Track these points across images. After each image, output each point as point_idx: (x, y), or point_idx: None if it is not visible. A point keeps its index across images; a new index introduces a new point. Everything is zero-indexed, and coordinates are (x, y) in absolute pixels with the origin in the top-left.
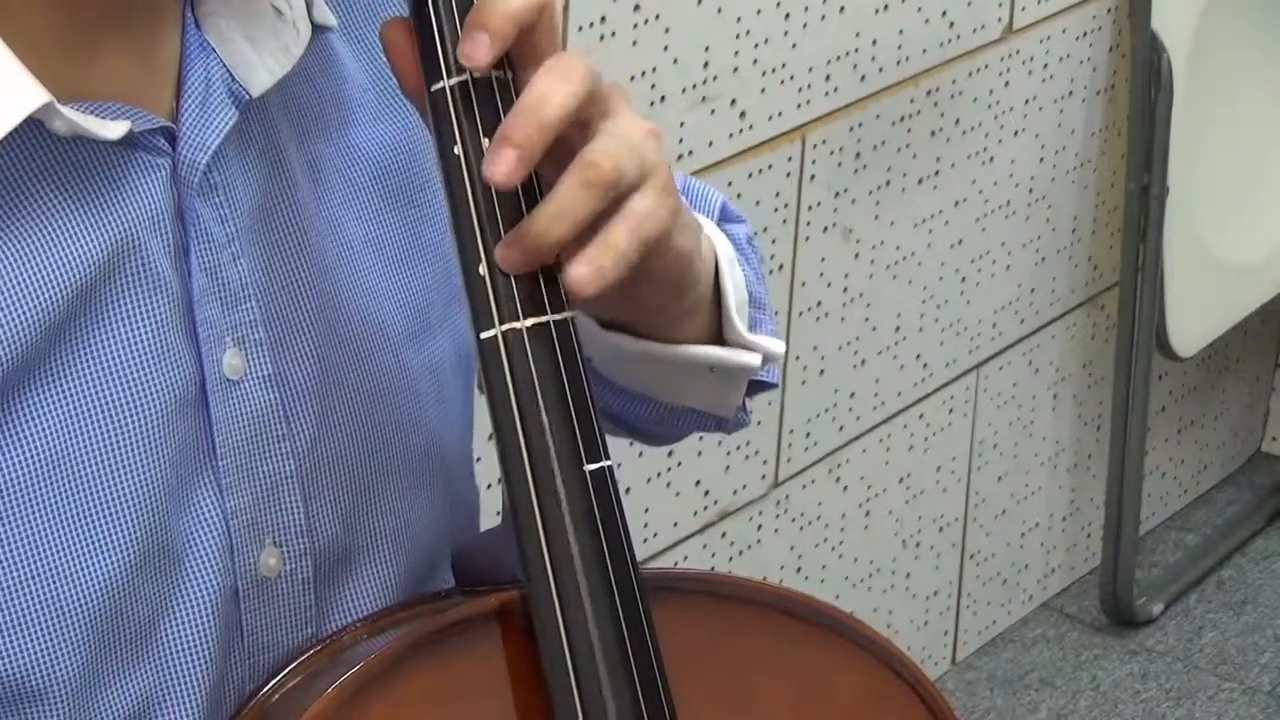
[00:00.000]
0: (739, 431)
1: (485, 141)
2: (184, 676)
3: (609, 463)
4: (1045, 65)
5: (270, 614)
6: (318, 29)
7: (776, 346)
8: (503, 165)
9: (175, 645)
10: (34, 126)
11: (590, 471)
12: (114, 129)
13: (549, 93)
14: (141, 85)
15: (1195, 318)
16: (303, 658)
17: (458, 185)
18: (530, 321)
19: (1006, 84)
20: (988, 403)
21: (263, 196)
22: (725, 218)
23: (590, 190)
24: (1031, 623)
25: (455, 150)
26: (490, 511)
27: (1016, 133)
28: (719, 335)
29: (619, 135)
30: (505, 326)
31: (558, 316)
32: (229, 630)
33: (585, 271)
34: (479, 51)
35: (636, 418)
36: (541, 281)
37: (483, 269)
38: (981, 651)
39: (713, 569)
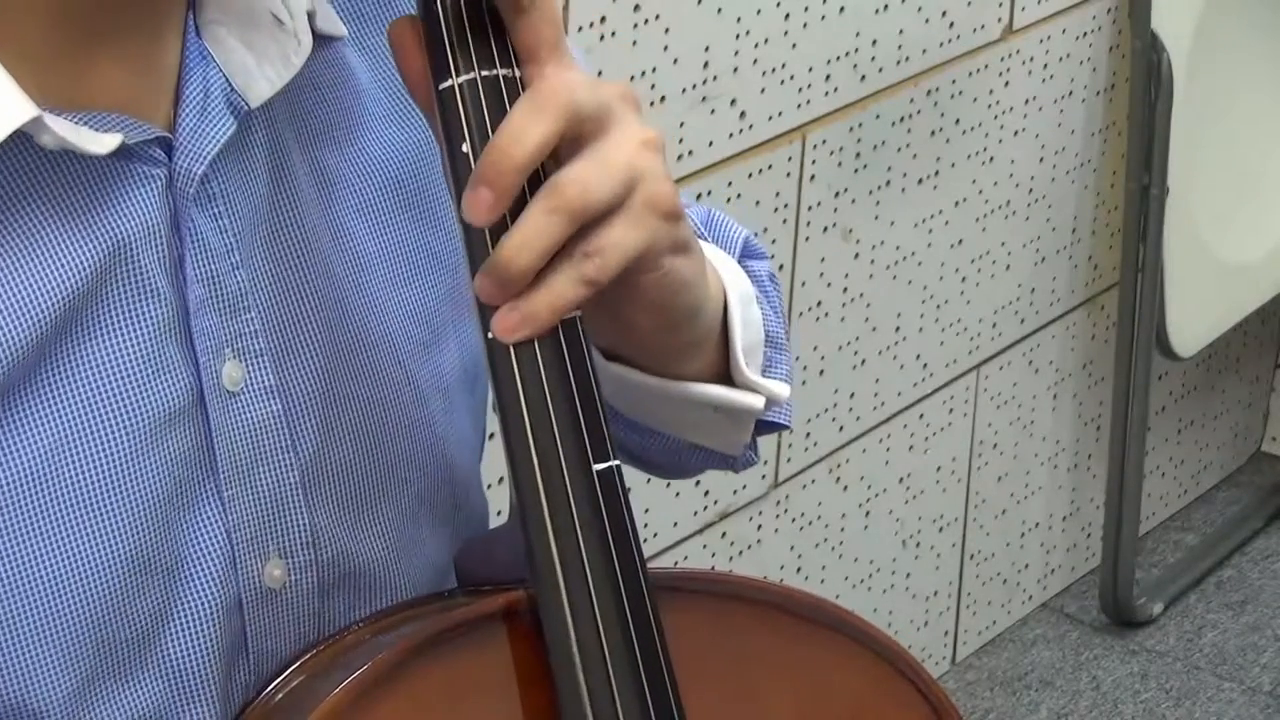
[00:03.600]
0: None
1: None
2: (188, 689)
3: (616, 463)
4: (1045, 65)
5: (276, 625)
6: (327, 39)
7: (781, 390)
8: (481, 209)
9: (177, 657)
10: (22, 140)
11: (598, 471)
12: (105, 142)
13: (521, 131)
14: (140, 94)
15: (1195, 318)
16: (306, 657)
17: (465, 183)
18: (491, 334)
19: (1006, 84)
20: (988, 403)
21: (266, 206)
22: (747, 253)
23: (555, 216)
24: (1031, 623)
25: (464, 148)
26: (490, 510)
27: (1016, 133)
28: (726, 374)
29: (599, 157)
30: None
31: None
32: (233, 642)
33: (509, 320)
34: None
35: (647, 450)
36: None
37: None
38: (981, 651)
39: (713, 569)
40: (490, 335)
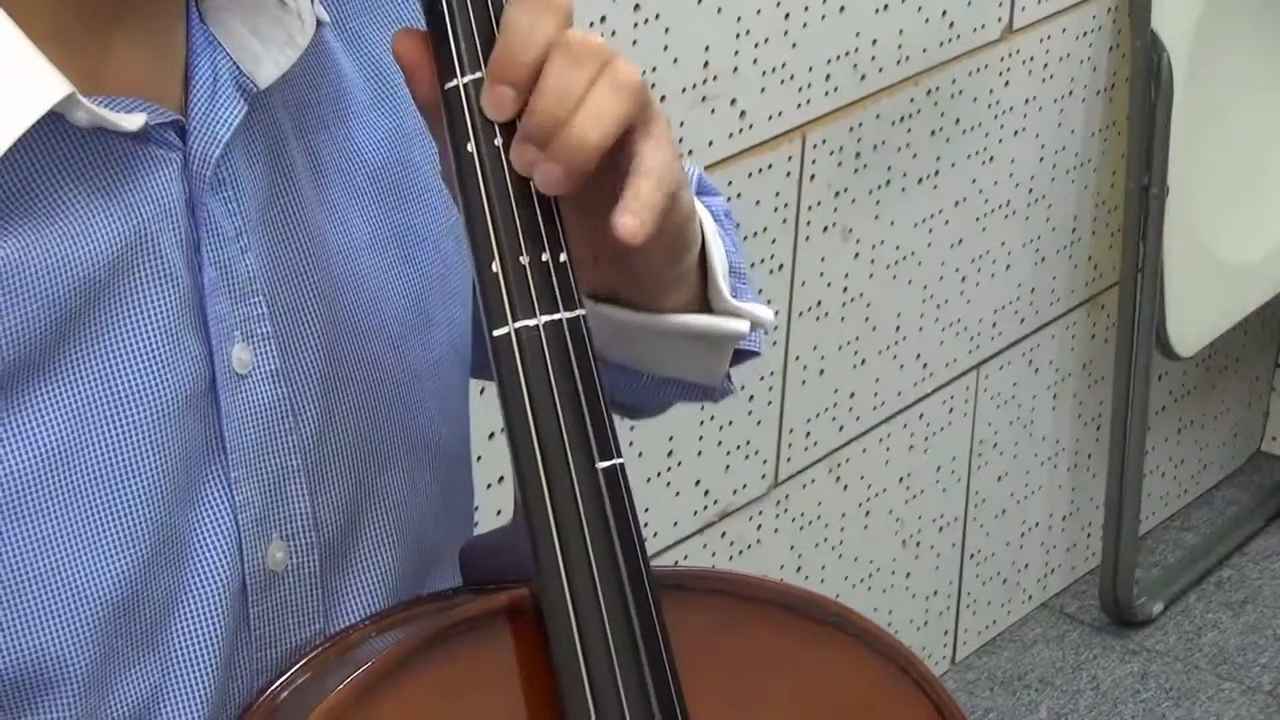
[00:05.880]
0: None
1: (499, 139)
2: (191, 670)
3: (621, 460)
4: (1045, 65)
5: (277, 608)
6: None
7: (764, 313)
8: (505, 104)
9: (183, 639)
10: (53, 119)
11: (603, 469)
12: (132, 120)
13: (530, 29)
14: (150, 79)
15: (1195, 318)
16: (311, 655)
17: (471, 182)
18: (544, 318)
19: (1006, 84)
20: (988, 403)
21: (268, 190)
22: (702, 190)
23: (621, 92)
24: (1031, 622)
25: (469, 147)
26: (490, 510)
27: (1016, 133)
28: (704, 304)
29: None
30: (519, 324)
31: (570, 314)
32: (236, 624)
33: (633, 223)
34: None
35: (622, 391)
36: (554, 278)
37: (496, 266)
38: (981, 651)
39: (715, 568)
40: (503, 329)
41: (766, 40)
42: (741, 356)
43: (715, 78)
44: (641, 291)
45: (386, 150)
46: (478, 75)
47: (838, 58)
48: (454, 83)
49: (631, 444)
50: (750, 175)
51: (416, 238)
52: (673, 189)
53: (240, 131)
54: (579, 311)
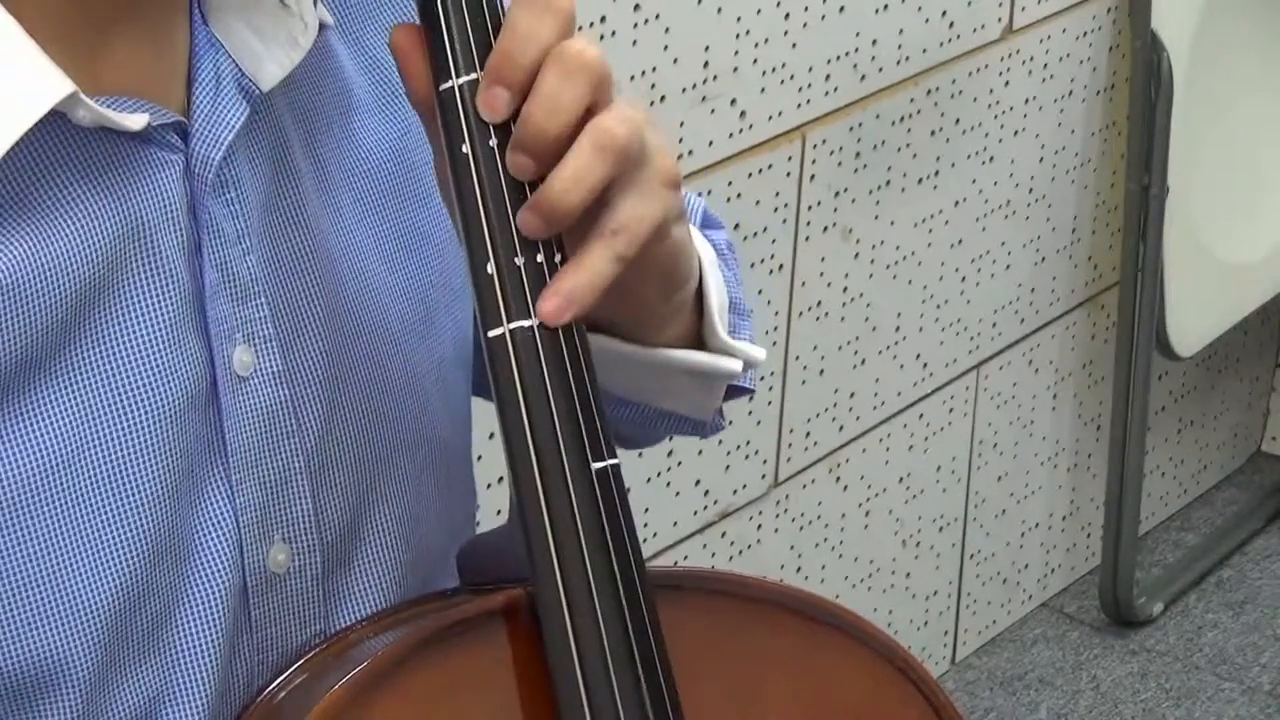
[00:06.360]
0: (727, 432)
1: (494, 141)
2: (191, 673)
3: (615, 461)
4: (1045, 65)
5: (279, 610)
6: (318, 26)
7: (757, 353)
8: (499, 105)
9: (184, 642)
10: (56, 118)
11: (597, 470)
12: (135, 120)
13: (531, 31)
14: (152, 80)
15: (1195, 318)
16: (309, 656)
17: (466, 184)
18: (539, 319)
19: (1006, 84)
20: (988, 402)
21: (270, 192)
22: (706, 224)
23: (604, 155)
24: (1031, 622)
25: (464, 149)
26: (490, 510)
27: (1016, 133)
28: (699, 339)
29: (621, 115)
30: (513, 325)
31: None
32: (237, 627)
33: (553, 304)
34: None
35: (616, 421)
36: (549, 279)
37: (491, 267)
38: (981, 651)
39: (713, 568)
40: (497, 330)
41: (766, 40)
42: (734, 393)
43: (715, 78)
44: (635, 324)
45: (390, 153)
46: (473, 77)
47: (838, 58)
48: (449, 84)
49: None
50: (750, 175)
51: (419, 239)
52: (643, 238)
53: (242, 134)
54: None
